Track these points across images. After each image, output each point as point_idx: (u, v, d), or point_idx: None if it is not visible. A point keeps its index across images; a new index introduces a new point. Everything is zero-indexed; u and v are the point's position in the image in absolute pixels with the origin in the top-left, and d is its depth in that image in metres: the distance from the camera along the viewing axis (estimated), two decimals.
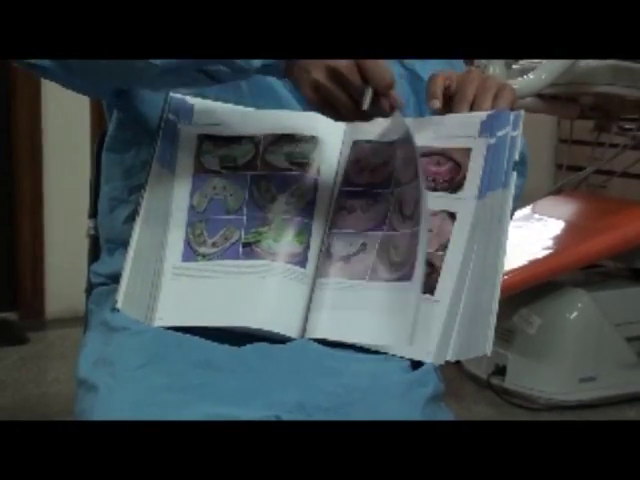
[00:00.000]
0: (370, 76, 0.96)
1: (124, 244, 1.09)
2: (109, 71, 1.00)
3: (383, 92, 0.97)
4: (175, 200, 1.07)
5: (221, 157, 1.08)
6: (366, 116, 0.99)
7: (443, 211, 1.03)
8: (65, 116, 3.05)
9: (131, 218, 1.09)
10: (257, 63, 0.97)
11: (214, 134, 1.08)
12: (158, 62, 0.95)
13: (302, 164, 1.07)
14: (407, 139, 1.00)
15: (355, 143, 1.08)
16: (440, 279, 1.00)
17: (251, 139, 1.08)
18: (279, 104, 1.10)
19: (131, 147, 1.14)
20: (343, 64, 0.96)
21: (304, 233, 1.05)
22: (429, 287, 1.00)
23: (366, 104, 0.97)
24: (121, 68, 0.97)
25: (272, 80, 1.09)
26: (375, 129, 1.07)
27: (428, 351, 0.98)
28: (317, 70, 0.96)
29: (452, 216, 1.02)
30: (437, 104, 1.03)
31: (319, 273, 1.04)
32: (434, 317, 0.98)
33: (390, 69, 0.97)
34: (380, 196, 1.05)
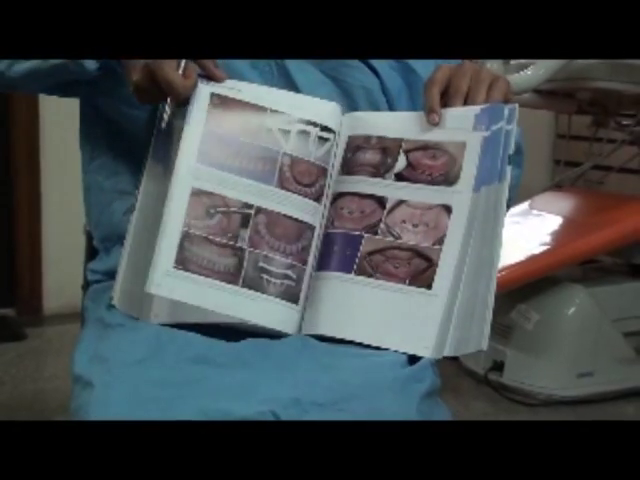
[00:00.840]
0: (165, 89, 0.99)
1: (121, 240, 1.08)
2: None
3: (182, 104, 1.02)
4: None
5: None
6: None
7: (439, 205, 1.03)
8: (63, 115, 3.01)
9: (130, 211, 1.09)
10: (92, 64, 1.04)
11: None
12: (16, 75, 1.06)
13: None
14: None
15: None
16: (437, 274, 1.00)
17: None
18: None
19: (140, 141, 1.12)
20: (156, 67, 0.98)
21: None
22: (426, 282, 1.00)
23: (163, 123, 1.03)
24: None
25: (249, 72, 1.09)
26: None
27: (426, 346, 0.99)
28: (136, 71, 0.99)
29: (448, 210, 1.02)
30: (436, 119, 1.03)
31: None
32: (432, 312, 0.99)
33: (180, 79, 0.99)
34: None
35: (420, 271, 1.01)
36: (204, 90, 1.04)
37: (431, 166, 1.04)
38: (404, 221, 1.03)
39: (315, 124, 1.06)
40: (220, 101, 1.04)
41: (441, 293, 0.99)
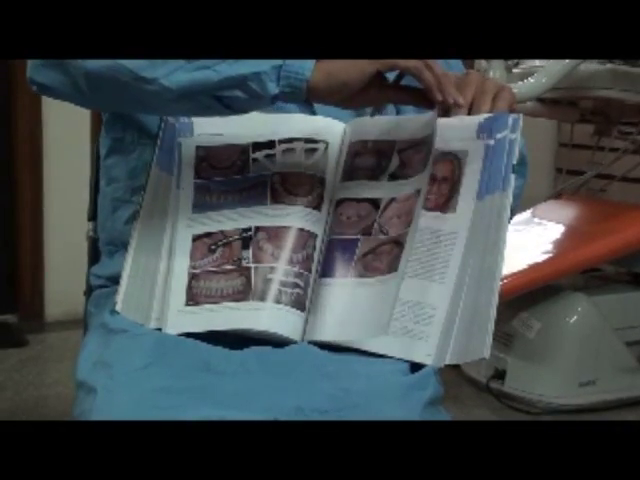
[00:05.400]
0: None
1: (125, 245, 1.09)
2: (121, 95, 1.00)
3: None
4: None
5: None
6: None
7: (413, 191, 1.03)
8: (66, 119, 3.04)
9: (133, 219, 1.10)
10: (274, 89, 0.96)
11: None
12: (174, 86, 0.95)
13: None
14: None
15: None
16: (402, 255, 1.01)
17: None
18: (279, 109, 1.10)
19: (135, 148, 1.14)
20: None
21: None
22: (395, 266, 1.01)
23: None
24: (134, 91, 0.97)
25: None
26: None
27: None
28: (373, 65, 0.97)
29: (418, 193, 1.03)
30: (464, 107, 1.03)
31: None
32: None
33: None
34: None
35: (394, 258, 1.02)
36: (188, 144, 1.08)
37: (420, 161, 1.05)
38: (391, 217, 1.04)
39: (299, 139, 1.08)
40: (205, 152, 1.08)
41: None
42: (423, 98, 1.01)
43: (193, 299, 1.03)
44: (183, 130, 1.09)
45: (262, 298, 1.02)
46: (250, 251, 1.05)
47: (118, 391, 0.95)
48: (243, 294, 1.03)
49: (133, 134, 1.14)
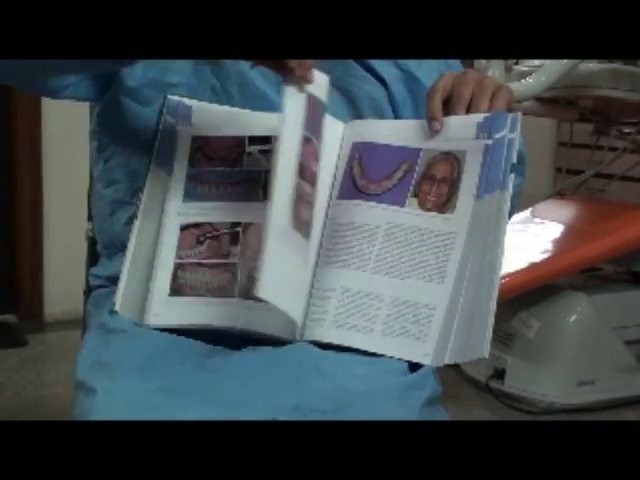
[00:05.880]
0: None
1: (124, 247, 1.09)
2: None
3: None
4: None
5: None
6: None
7: None
8: (65, 119, 3.04)
9: (132, 220, 1.10)
10: None
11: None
12: None
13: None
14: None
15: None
16: None
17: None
18: (271, 110, 1.10)
19: (134, 152, 1.13)
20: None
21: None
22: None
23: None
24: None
25: (264, 86, 1.09)
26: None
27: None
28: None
29: None
30: (437, 127, 1.04)
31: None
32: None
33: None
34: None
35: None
36: (185, 133, 1.08)
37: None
38: None
39: None
40: (201, 142, 1.08)
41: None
42: (279, 64, 0.98)
43: (177, 290, 1.03)
44: (182, 119, 1.09)
45: (246, 296, 1.02)
46: (238, 247, 1.04)
47: (117, 391, 0.95)
48: (227, 290, 1.02)
49: (132, 138, 1.14)
